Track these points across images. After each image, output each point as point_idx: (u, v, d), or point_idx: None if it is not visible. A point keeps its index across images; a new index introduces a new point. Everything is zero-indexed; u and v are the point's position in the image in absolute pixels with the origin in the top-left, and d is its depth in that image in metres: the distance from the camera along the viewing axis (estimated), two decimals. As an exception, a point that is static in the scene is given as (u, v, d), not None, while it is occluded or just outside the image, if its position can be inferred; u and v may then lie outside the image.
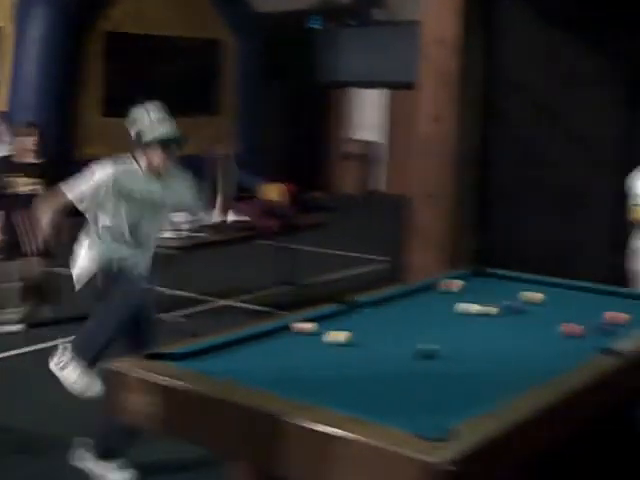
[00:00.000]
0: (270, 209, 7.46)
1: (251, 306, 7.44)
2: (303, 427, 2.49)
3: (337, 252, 9.68)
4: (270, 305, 7.35)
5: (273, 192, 8.33)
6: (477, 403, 2.62)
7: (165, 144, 4.37)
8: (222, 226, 6.91)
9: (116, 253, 4.35)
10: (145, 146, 4.36)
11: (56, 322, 6.44)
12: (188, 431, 2.82)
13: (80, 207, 4.37)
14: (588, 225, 5.89)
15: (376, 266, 8.82)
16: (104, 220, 4.37)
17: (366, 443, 2.37)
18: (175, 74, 13.21)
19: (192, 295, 7.57)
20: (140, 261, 4.45)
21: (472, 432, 2.41)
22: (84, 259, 4.41)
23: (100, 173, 4.34)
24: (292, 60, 14.92)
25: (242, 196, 7.92)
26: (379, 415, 2.50)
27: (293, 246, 7.75)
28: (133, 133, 4.39)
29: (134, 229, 4.40)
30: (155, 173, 4.41)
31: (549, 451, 2.82)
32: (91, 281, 4.39)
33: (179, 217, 5.38)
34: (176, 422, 2.83)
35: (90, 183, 4.33)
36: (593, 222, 5.87)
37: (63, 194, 4.37)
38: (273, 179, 9.43)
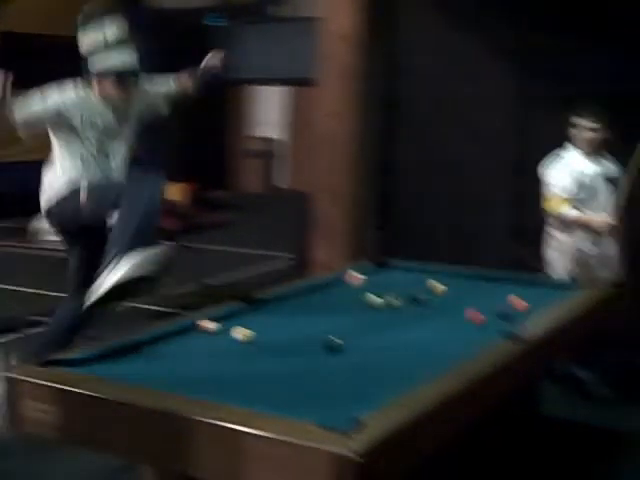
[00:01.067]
0: (172, 209, 7.39)
1: (154, 307, 7.33)
2: (211, 426, 2.46)
3: (242, 250, 9.62)
4: (174, 306, 7.26)
5: (174, 192, 8.23)
6: (384, 394, 2.63)
7: (120, 76, 4.03)
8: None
9: (84, 177, 4.06)
10: (97, 74, 4.03)
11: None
12: (92, 439, 2.74)
13: (22, 131, 4.00)
14: (490, 215, 5.99)
15: (281, 263, 8.80)
16: (65, 147, 4.10)
17: (274, 438, 2.35)
18: (68, 74, 12.89)
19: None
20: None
21: (379, 422, 2.42)
22: (52, 185, 4.13)
23: (51, 99, 4.01)
24: (190, 58, 14.77)
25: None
26: (287, 409, 2.49)
27: (197, 245, 7.67)
28: (83, 51, 4.02)
29: (95, 156, 4.12)
30: (108, 101, 4.11)
31: (456, 437, 2.85)
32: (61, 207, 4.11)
33: None
34: (79, 430, 2.75)
35: (39, 108, 3.97)
36: (496, 212, 5.97)
37: (13, 113, 3.90)
38: (174, 179, 9.32)
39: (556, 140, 5.01)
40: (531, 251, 5.29)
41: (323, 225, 5.75)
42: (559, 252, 4.94)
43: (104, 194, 4.04)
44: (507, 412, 3.42)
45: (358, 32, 5.70)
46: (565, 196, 4.78)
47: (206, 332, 3.37)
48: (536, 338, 3.34)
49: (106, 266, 3.72)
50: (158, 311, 7.18)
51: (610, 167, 4.94)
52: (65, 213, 4.17)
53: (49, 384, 2.74)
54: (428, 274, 4.31)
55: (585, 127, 4.85)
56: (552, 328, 3.52)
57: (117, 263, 3.68)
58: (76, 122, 4.06)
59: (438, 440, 2.71)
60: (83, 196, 4.03)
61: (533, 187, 5.05)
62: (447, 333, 3.45)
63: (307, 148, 6.87)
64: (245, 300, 3.79)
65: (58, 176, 4.16)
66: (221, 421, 2.45)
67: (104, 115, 4.15)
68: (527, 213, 5.64)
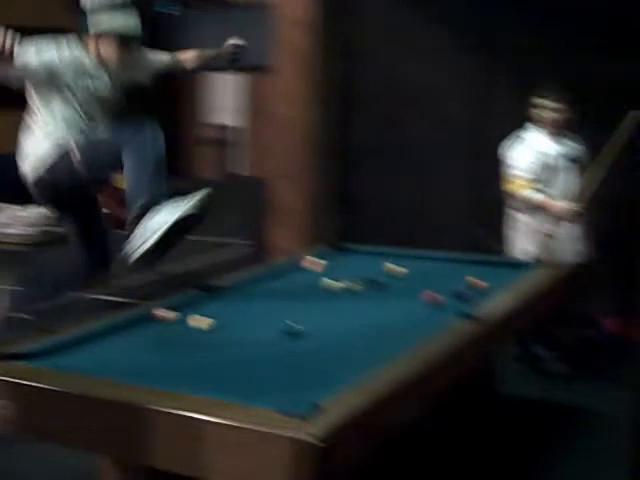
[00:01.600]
0: (122, 197, 7.29)
1: (109, 297, 7.26)
2: (170, 415, 2.43)
3: (199, 238, 9.55)
4: (129, 295, 7.19)
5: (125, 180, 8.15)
6: (343, 378, 2.62)
7: (124, 39, 3.80)
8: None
9: (70, 138, 3.78)
10: (99, 34, 3.78)
11: None
12: (50, 432, 2.70)
13: (16, 77, 3.69)
14: (448, 198, 6.01)
15: (239, 250, 8.76)
16: (46, 107, 3.81)
17: (233, 425, 2.33)
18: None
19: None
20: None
21: (339, 407, 2.41)
22: (36, 151, 3.84)
23: (46, 53, 3.71)
24: (144, 45, 14.62)
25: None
26: (245, 396, 2.48)
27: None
28: (87, 7, 3.77)
29: (82, 118, 3.86)
30: (103, 64, 3.88)
31: (416, 418, 2.86)
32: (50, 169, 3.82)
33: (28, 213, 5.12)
34: (36, 424, 2.71)
35: (34, 61, 3.68)
36: (454, 194, 5.99)
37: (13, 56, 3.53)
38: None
39: (515, 121, 5.02)
40: (489, 232, 5.33)
41: (281, 211, 5.74)
42: (520, 233, 4.96)
43: (99, 151, 3.81)
44: (466, 392, 3.43)
45: (312, 17, 5.69)
46: (527, 178, 4.80)
47: (163, 321, 3.34)
48: (494, 318, 3.35)
49: (140, 216, 3.55)
50: (114, 301, 7.11)
51: (573, 147, 4.95)
52: (59, 178, 3.88)
53: (4, 378, 2.70)
54: (387, 258, 4.31)
55: (547, 107, 4.84)
56: (510, 308, 3.54)
57: (158, 209, 3.55)
58: (66, 81, 3.79)
59: (398, 422, 2.71)
60: (76, 156, 3.77)
61: (490, 169, 5.07)
62: (406, 316, 3.45)
63: (263, 134, 6.84)
64: (203, 288, 3.76)
65: (40, 140, 3.88)
66: (180, 410, 2.42)
67: (97, 77, 3.91)
68: (485, 195, 5.68)
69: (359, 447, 2.48)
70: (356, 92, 6.10)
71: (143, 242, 3.52)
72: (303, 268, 4.25)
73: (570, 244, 4.85)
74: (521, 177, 4.80)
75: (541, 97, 4.85)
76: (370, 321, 3.39)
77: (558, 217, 4.76)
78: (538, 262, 4.31)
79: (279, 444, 2.26)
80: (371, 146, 6.19)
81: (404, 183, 6.12)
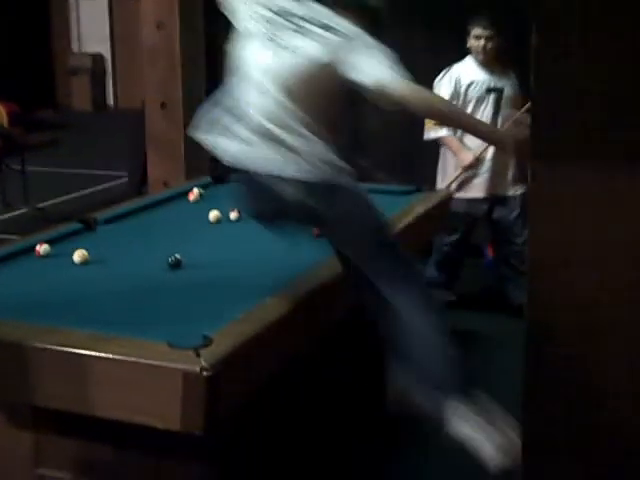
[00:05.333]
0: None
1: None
2: (54, 352, 2.38)
3: (73, 171, 9.29)
4: (5, 231, 6.97)
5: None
6: (230, 309, 2.61)
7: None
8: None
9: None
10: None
11: None
12: None
13: None
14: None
15: (115, 182, 8.58)
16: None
17: (120, 359, 2.30)
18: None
19: None
20: None
21: (226, 337, 2.40)
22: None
23: None
24: None
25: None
26: (132, 329, 2.44)
27: (22, 168, 7.36)
28: None
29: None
30: None
31: (304, 348, 2.87)
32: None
33: None
34: None
35: None
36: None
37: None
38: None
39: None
40: (371, 162, 5.33)
41: (157, 141, 5.60)
42: (441, 166, 4.98)
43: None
44: (354, 320, 3.46)
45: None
46: None
47: (41, 256, 3.23)
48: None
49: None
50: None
51: (498, 79, 4.86)
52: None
53: None
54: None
55: (477, 35, 4.78)
56: (394, 233, 3.56)
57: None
58: None
59: (287, 352, 2.72)
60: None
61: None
62: (291, 246, 3.44)
63: (135, 62, 6.63)
64: (81, 221, 3.66)
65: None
66: (65, 346, 2.37)
67: None
68: (365, 122, 5.68)
69: (248, 377, 2.48)
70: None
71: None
72: (184, 199, 4.17)
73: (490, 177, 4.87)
74: None
75: (472, 24, 4.78)
76: (256, 251, 3.36)
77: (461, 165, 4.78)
78: (420, 189, 4.34)
79: (167, 376, 2.25)
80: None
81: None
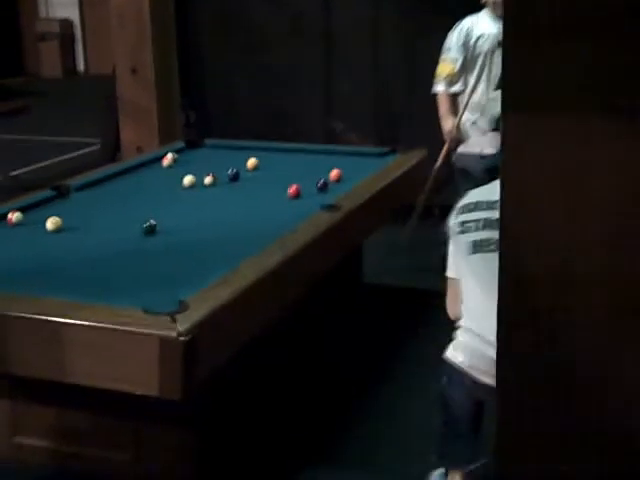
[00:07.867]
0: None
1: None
2: (30, 320, 2.36)
3: (44, 138, 9.18)
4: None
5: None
6: (205, 273, 2.60)
7: None
8: None
9: None
10: None
11: None
12: None
13: None
14: (303, 91, 5.93)
15: (87, 149, 8.49)
16: None
17: (96, 326, 2.29)
18: None
19: None
20: None
21: (202, 302, 2.39)
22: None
23: None
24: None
25: None
26: (108, 296, 2.43)
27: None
28: None
29: None
30: None
31: (282, 311, 2.87)
32: None
33: None
34: None
35: None
36: (309, 88, 5.92)
37: None
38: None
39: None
40: (344, 125, 5.30)
41: (129, 107, 5.53)
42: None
43: None
44: (331, 282, 3.46)
45: None
46: (450, 64, 4.62)
47: (14, 224, 3.19)
48: (354, 206, 3.36)
49: None
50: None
51: None
52: None
53: None
54: (242, 151, 4.24)
55: None
56: (370, 195, 3.55)
57: None
58: None
59: (264, 315, 2.71)
60: None
61: (342, 59, 4.98)
62: (266, 209, 3.42)
63: (105, 27, 6.52)
64: (54, 189, 3.61)
65: None
66: (39, 314, 2.35)
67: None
68: (337, 85, 5.65)
69: (225, 341, 2.47)
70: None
71: None
72: (157, 164, 4.13)
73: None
74: (444, 60, 4.65)
75: None
76: (229, 215, 3.35)
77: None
78: (395, 150, 4.31)
79: (144, 342, 2.24)
80: (220, 35, 6.02)
81: (260, 78, 6.00)
